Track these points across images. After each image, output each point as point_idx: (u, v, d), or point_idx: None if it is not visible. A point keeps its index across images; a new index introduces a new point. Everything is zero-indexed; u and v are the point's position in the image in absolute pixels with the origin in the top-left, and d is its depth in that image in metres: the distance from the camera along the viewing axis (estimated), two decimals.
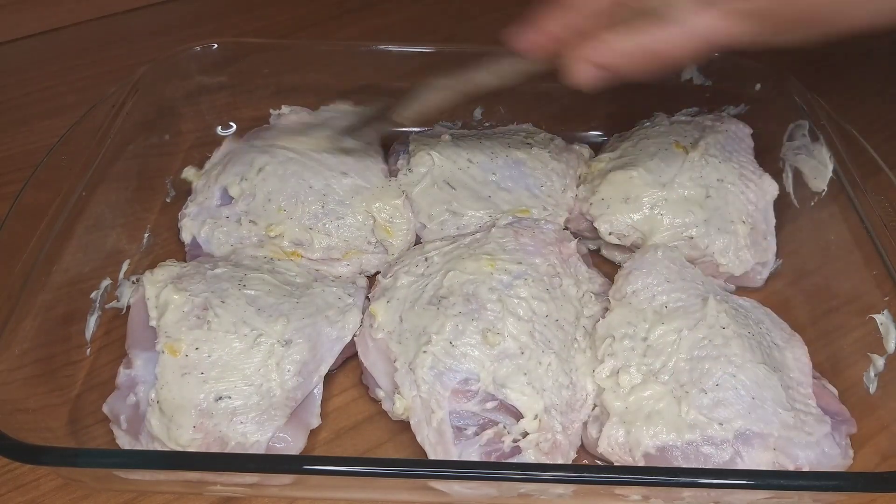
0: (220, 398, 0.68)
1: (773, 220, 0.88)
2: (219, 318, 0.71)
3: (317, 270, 0.84)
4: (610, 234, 0.86)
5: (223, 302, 0.72)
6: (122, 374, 0.72)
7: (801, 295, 0.86)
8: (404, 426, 0.72)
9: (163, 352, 0.69)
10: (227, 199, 0.87)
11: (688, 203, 0.85)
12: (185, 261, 0.86)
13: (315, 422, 0.73)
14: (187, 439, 0.67)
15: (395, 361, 0.72)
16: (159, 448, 0.68)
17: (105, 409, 0.72)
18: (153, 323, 0.72)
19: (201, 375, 0.69)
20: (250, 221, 0.85)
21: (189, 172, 0.90)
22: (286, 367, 0.71)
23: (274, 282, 0.78)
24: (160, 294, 0.73)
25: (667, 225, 0.84)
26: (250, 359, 0.70)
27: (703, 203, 0.85)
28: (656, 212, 0.85)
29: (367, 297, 0.80)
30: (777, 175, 0.92)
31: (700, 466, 0.66)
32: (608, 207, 0.86)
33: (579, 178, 0.94)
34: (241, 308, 0.72)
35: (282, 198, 0.85)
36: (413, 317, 0.73)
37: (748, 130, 0.94)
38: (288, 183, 0.86)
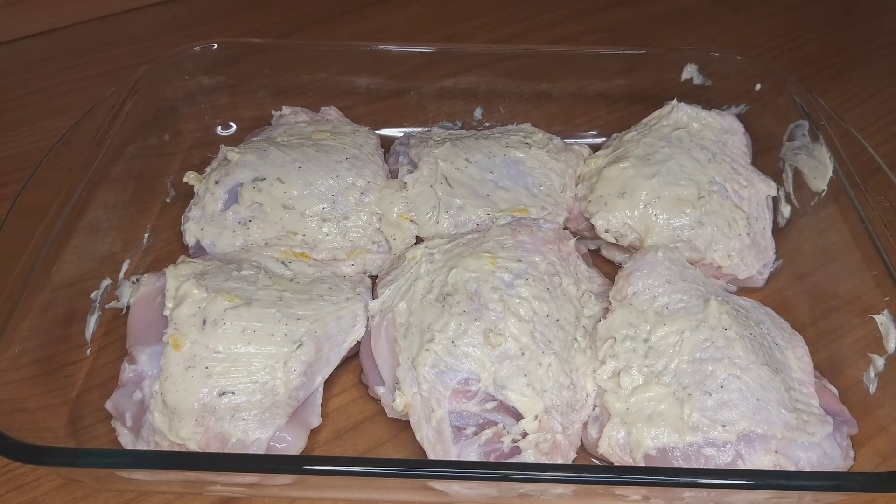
0: (224, 393, 0.68)
1: (770, 219, 0.88)
2: (232, 315, 0.71)
3: (322, 271, 0.84)
4: (606, 231, 0.86)
5: (239, 300, 0.72)
6: (127, 370, 0.72)
7: (801, 295, 0.86)
8: (404, 426, 0.72)
9: (167, 343, 0.69)
10: (231, 202, 0.87)
11: (681, 203, 0.84)
12: None
13: (315, 421, 0.73)
14: (188, 432, 0.67)
15: (399, 354, 0.72)
16: (160, 441, 0.68)
17: (108, 406, 0.72)
18: (167, 312, 0.72)
19: (206, 370, 0.69)
20: (256, 224, 0.85)
21: (190, 177, 0.90)
22: (292, 367, 0.71)
23: (285, 283, 0.78)
24: (180, 287, 0.73)
25: (661, 225, 0.84)
26: (258, 357, 0.70)
27: (695, 203, 0.85)
28: (650, 210, 0.84)
29: (372, 297, 0.80)
30: (777, 175, 0.92)
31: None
32: (605, 204, 0.86)
33: (578, 177, 0.94)
34: (255, 307, 0.72)
35: (288, 200, 0.86)
36: (420, 311, 0.73)
37: (740, 128, 0.94)
38: (293, 185, 0.86)
